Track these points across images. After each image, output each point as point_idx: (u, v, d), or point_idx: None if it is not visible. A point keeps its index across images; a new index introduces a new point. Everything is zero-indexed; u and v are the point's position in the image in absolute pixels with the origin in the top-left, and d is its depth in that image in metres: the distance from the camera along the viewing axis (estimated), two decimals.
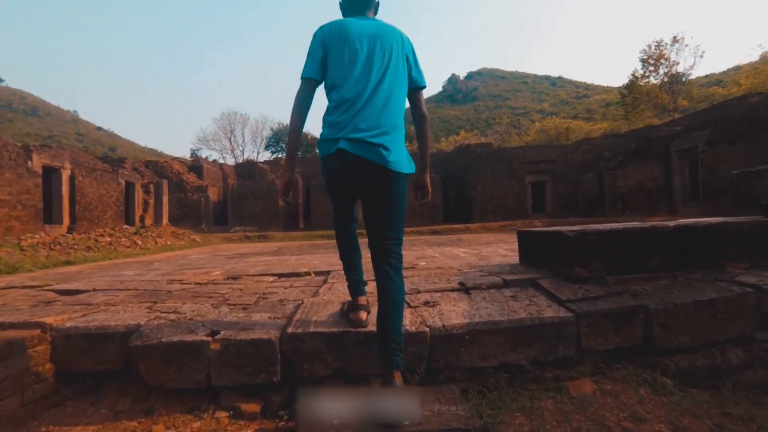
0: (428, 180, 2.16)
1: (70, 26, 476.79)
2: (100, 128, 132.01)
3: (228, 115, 45.83)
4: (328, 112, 1.92)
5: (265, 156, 45.52)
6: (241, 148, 45.38)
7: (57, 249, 9.21)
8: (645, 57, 32.84)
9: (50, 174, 11.20)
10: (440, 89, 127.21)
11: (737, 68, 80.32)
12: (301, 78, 1.95)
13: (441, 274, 2.96)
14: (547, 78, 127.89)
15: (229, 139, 44.68)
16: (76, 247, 9.73)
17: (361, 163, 1.82)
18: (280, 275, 5.26)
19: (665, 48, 32.33)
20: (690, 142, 11.85)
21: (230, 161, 43.61)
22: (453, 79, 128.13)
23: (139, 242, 12.08)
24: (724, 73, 75.84)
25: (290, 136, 1.99)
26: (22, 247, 8.64)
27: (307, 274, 5.26)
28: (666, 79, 32.24)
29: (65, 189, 11.41)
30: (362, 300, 2.10)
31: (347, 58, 1.89)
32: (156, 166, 19.58)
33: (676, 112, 32.46)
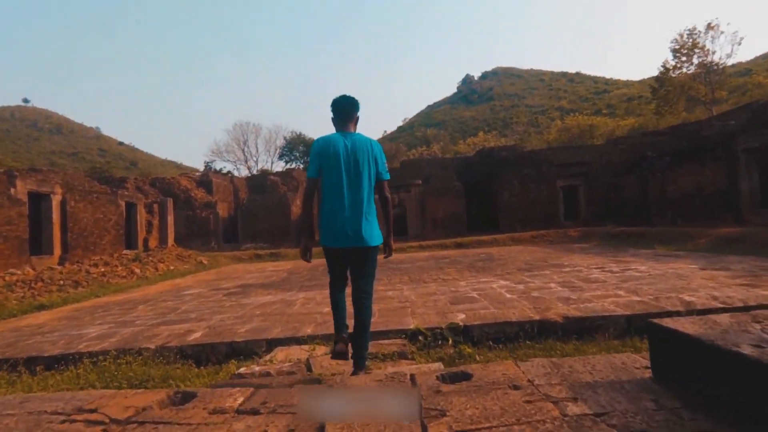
0: (391, 242, 3.07)
1: (90, 45, 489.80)
2: (121, 143, 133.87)
3: (241, 126, 45.05)
4: (323, 210, 2.86)
5: (279, 166, 44.67)
6: (254, 159, 44.62)
7: (38, 286, 8.14)
8: (677, 47, 30.73)
9: (39, 200, 10.21)
10: (455, 90, 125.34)
11: (767, 56, 76.30)
12: (307, 178, 2.93)
13: (529, 426, 1.62)
14: (564, 74, 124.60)
15: (243, 149, 43.97)
16: (62, 282, 8.66)
17: (352, 249, 2.83)
18: (272, 342, 3.99)
19: (698, 36, 30.22)
20: (759, 139, 10.19)
21: (244, 172, 42.90)
22: (467, 80, 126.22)
23: (137, 270, 11.01)
24: (753, 61, 71.71)
25: (304, 219, 3.18)
26: None
27: (312, 340, 3.97)
28: (702, 70, 30.07)
29: (56, 215, 10.40)
30: (344, 336, 2.86)
31: (332, 166, 2.78)
32: (163, 183, 18.65)
33: (713, 104, 30.30)
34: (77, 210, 11.00)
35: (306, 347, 3.78)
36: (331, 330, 4.17)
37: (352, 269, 2.91)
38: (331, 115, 2.99)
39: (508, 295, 5.44)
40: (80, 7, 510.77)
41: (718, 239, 9.97)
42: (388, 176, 2.95)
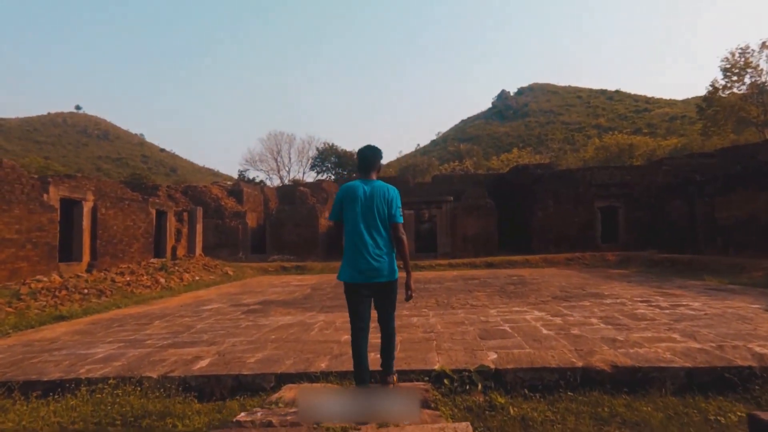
0: (411, 283, 3.20)
1: (138, 56, 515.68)
2: (163, 150, 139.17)
3: (275, 136, 45.78)
4: (345, 249, 3.13)
5: (311, 176, 45.01)
6: (287, 169, 45.13)
7: (62, 295, 8.13)
8: (728, 66, 29.24)
9: (71, 206, 10.36)
10: (489, 105, 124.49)
11: None
12: (329, 219, 3.59)
13: None
14: (603, 92, 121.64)
15: (276, 159, 44.57)
16: (86, 291, 8.65)
17: (373, 284, 3.05)
18: (282, 377, 3.64)
19: (751, 55, 28.67)
20: None
21: (276, 182, 43.42)
22: (503, 95, 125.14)
23: (162, 280, 10.98)
24: None
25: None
26: (20, 295, 7.60)
27: (325, 378, 3.60)
28: (754, 90, 28.44)
29: (86, 222, 10.52)
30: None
31: (352, 210, 3.09)
32: (195, 191, 18.87)
33: (766, 126, 28.58)
34: (107, 217, 11.11)
35: (318, 386, 3.41)
36: (347, 366, 3.82)
37: (375, 302, 3.16)
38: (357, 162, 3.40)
39: (545, 331, 4.92)
40: (129, 23, 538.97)
41: None
42: (401, 219, 3.18)
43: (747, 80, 29.22)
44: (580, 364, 3.65)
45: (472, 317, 6.02)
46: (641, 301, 6.84)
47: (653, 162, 19.30)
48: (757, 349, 3.91)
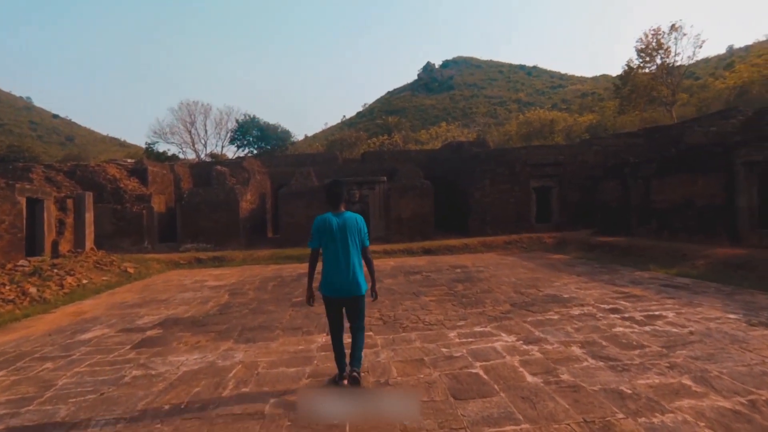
0: (376, 289, 4.12)
1: (19, 7, 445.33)
2: (56, 116, 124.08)
3: (188, 105, 41.18)
4: (324, 270, 3.84)
5: (231, 150, 41.53)
6: (203, 142, 41.12)
7: None
8: (642, 47, 30.53)
9: None
10: (415, 77, 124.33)
11: (706, 60, 79.79)
12: (309, 246, 3.94)
13: None
14: (522, 67, 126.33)
15: (190, 131, 40.33)
16: None
17: (345, 298, 3.82)
18: None
19: (662, 37, 30.12)
20: (762, 152, 9.28)
21: (191, 155, 39.49)
22: (428, 68, 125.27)
23: (33, 290, 8.69)
24: (694, 65, 74.27)
25: (308, 277, 3.98)
26: None
27: None
28: (664, 71, 30.03)
29: None
30: (345, 375, 3.85)
31: (328, 239, 3.79)
32: (85, 171, 15.81)
33: (674, 105, 30.45)
34: None
35: None
36: None
37: (347, 311, 3.91)
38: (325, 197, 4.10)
39: (529, 378, 3.91)
40: None
41: (719, 262, 8.99)
42: (368, 243, 3.98)
43: (658, 61, 30.78)
44: None
45: (430, 347, 4.90)
46: (610, 310, 6.14)
47: (583, 141, 19.45)
48: None
